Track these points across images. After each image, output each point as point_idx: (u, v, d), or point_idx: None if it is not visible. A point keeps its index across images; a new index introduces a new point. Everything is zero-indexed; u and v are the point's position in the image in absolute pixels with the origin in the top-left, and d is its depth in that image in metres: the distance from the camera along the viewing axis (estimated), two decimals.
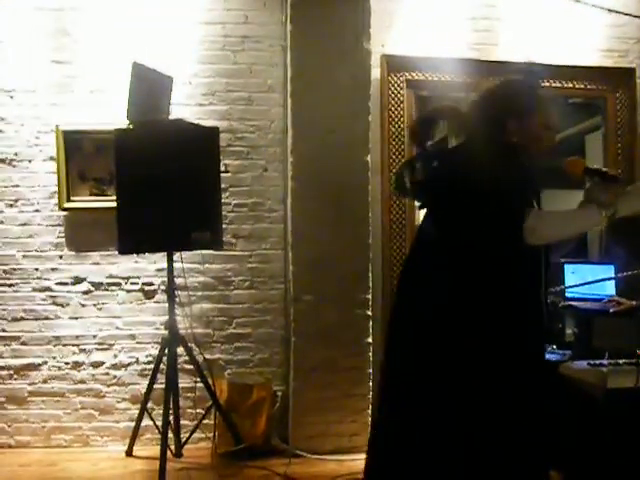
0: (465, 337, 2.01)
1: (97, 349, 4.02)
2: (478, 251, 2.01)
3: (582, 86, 4.36)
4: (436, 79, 4.16)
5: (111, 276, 4.03)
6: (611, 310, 3.67)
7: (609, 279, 3.98)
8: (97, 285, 4.02)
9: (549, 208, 6.64)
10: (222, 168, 3.92)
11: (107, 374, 4.03)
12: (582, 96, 4.46)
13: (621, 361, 3.20)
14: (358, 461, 3.65)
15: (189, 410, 3.90)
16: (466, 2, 4.24)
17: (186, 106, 3.98)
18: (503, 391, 2.02)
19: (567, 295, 4.10)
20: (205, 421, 3.70)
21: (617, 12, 4.26)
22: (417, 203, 2.33)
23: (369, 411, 3.85)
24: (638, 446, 2.86)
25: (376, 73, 4.05)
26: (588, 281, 3.92)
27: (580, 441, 3.12)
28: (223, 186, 3.91)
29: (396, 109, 4.09)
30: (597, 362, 3.16)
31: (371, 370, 3.86)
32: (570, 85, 4.32)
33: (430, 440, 2.05)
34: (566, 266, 4.20)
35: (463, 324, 2.02)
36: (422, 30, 4.20)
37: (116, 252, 3.52)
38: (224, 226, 3.92)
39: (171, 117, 3.73)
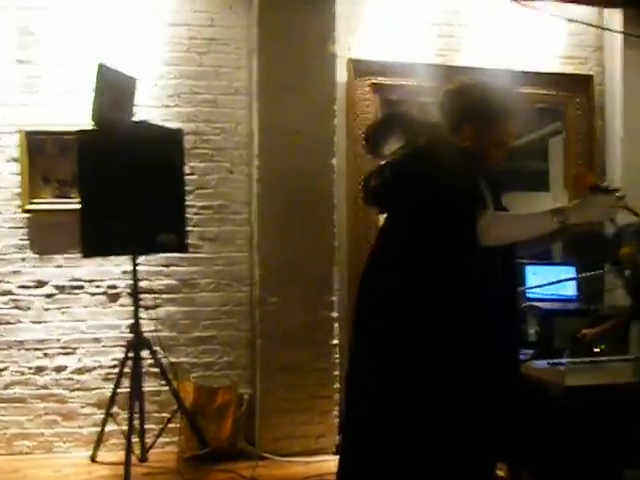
0: (416, 341, 2.05)
1: (61, 353, 3.96)
2: (431, 254, 2.04)
3: (544, 92, 4.46)
4: (401, 83, 4.22)
5: (75, 279, 3.98)
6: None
7: (569, 280, 4.08)
8: (61, 288, 3.97)
9: (513, 210, 6.70)
10: (187, 170, 3.91)
11: (71, 379, 3.97)
12: (543, 101, 4.57)
13: (580, 359, 3.28)
14: (325, 462, 3.69)
15: (155, 414, 3.88)
16: (431, 8, 4.31)
17: (152, 108, 3.97)
18: (450, 392, 2.05)
19: (529, 296, 4.19)
20: (171, 425, 3.69)
21: (576, 21, 4.36)
22: (377, 208, 2.35)
23: (336, 412, 3.87)
24: (596, 442, 2.93)
25: (342, 77, 4.09)
26: (549, 282, 3.99)
27: (543, 439, 3.19)
28: (189, 188, 3.92)
29: (362, 112, 4.13)
30: (556, 361, 3.23)
31: (337, 372, 3.88)
32: (532, 91, 4.41)
33: (390, 444, 2.09)
34: (527, 267, 4.29)
35: (415, 328, 2.05)
36: (388, 35, 4.25)
37: (80, 255, 3.49)
38: (190, 229, 3.93)
39: (136, 119, 3.69)
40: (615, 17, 4.45)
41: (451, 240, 2.01)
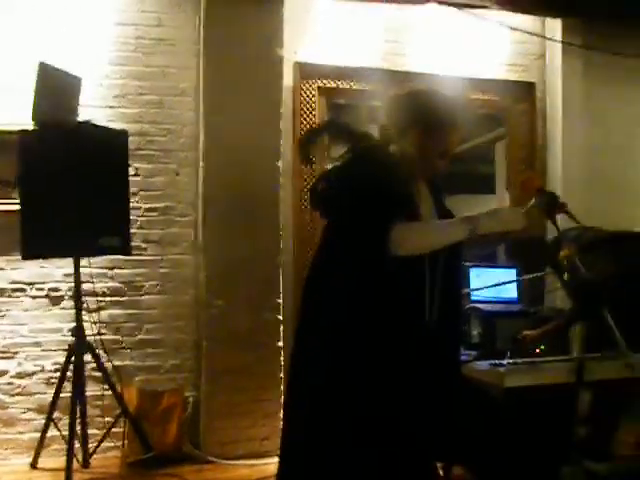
0: (360, 341, 2.08)
1: (0, 358, 3.87)
2: (353, 262, 2.08)
3: (487, 98, 4.55)
4: (347, 87, 4.26)
5: (15, 282, 3.88)
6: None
7: (511, 282, 4.17)
8: (0, 291, 3.87)
9: (460, 213, 6.81)
10: (132, 172, 3.88)
11: (11, 384, 3.87)
12: (487, 107, 4.67)
13: (520, 360, 3.36)
14: (270, 465, 3.68)
15: (98, 419, 3.82)
16: (378, 13, 4.35)
17: (96, 108, 3.90)
18: (390, 393, 2.09)
19: (472, 298, 4.27)
20: (114, 430, 3.65)
21: (519, 30, 4.48)
22: (322, 211, 2.37)
23: (280, 415, 3.87)
24: (536, 441, 3.01)
25: (288, 80, 4.10)
26: (491, 284, 4.06)
27: (484, 439, 3.26)
28: (134, 190, 3.88)
29: (308, 115, 4.15)
30: (497, 362, 3.30)
31: (282, 374, 3.89)
32: (476, 96, 4.51)
33: (335, 443, 2.12)
34: (471, 270, 4.37)
35: (359, 328, 2.08)
36: (335, 38, 4.28)
37: (20, 257, 3.42)
38: (134, 230, 3.90)
39: (80, 119, 3.63)
40: (556, 26, 4.58)
41: (368, 250, 2.05)
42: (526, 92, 4.65)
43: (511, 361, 3.38)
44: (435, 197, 2.32)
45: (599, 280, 2.57)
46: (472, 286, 4.28)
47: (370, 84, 4.25)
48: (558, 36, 4.56)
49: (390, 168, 2.12)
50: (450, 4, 4.24)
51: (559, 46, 4.55)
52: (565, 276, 3.48)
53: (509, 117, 4.68)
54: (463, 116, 2.23)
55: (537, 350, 3.74)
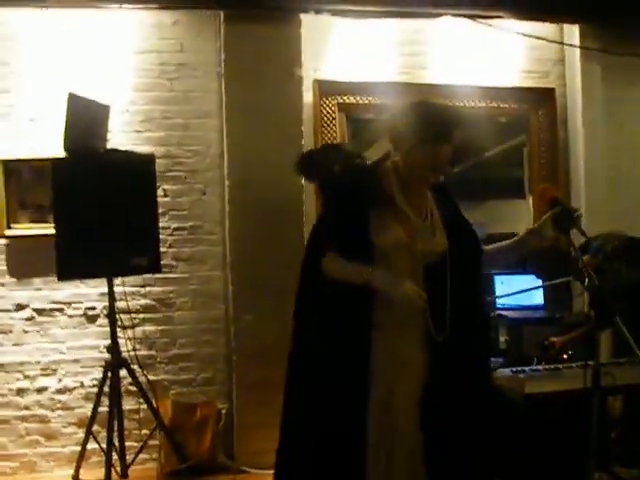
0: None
1: (41, 375, 4.05)
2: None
3: (506, 106, 4.59)
4: (367, 102, 4.34)
5: (54, 302, 4.07)
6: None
7: (536, 288, 4.19)
8: (40, 311, 4.06)
9: (491, 218, 6.71)
10: (161, 193, 4.03)
11: (52, 399, 4.06)
12: (506, 115, 4.70)
13: (541, 367, 3.39)
14: None
15: (135, 431, 3.94)
16: (394, 27, 4.43)
17: (124, 133, 4.08)
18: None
19: (498, 305, 4.30)
20: (151, 442, 3.77)
21: (536, 37, 4.50)
22: None
23: None
24: (556, 446, 3.04)
25: (308, 97, 4.21)
26: (516, 291, 4.08)
27: (506, 446, 3.30)
28: (162, 210, 4.03)
29: (329, 132, 4.25)
30: (519, 369, 3.33)
31: None
32: (495, 105, 4.55)
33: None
34: (496, 277, 4.40)
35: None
36: (352, 55, 4.37)
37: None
38: (165, 249, 4.04)
39: (109, 144, 3.79)
40: (573, 31, 4.59)
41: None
42: (546, 98, 4.66)
43: (533, 367, 3.41)
44: (443, 204, 2.38)
45: (610, 290, 2.59)
46: (497, 293, 4.32)
47: (389, 98, 4.33)
48: (576, 41, 4.57)
49: (351, 197, 2.26)
50: (464, 16, 4.28)
51: (577, 51, 4.55)
52: (586, 283, 3.50)
53: (530, 124, 4.70)
54: (457, 129, 2.25)
55: (564, 356, 3.76)
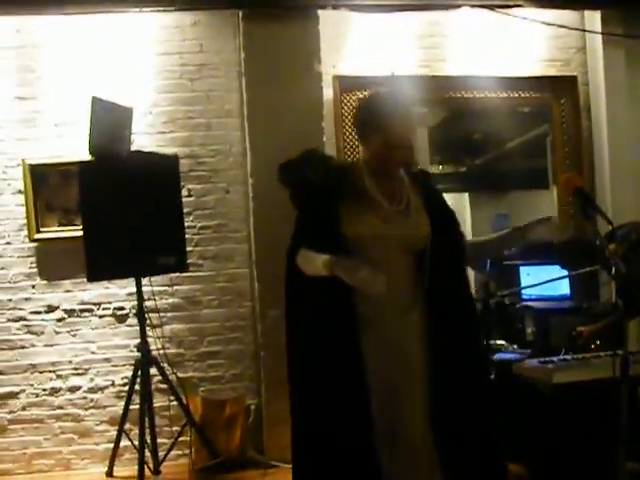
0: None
1: (73, 374, 4.13)
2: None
3: (527, 95, 4.56)
4: None
5: (83, 302, 4.14)
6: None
7: (562, 278, 4.15)
8: (70, 312, 4.14)
9: (515, 209, 6.67)
10: (185, 193, 4.08)
11: (84, 398, 4.14)
12: (528, 105, 4.67)
13: (569, 357, 3.38)
14: None
15: (165, 428, 4.01)
16: (413, 21, 4.42)
17: (147, 135, 4.13)
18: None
19: (524, 296, 4.28)
20: (182, 438, 3.83)
21: (554, 25, 4.45)
22: None
23: None
24: (584, 435, 3.03)
25: (328, 93, 4.22)
26: (542, 282, 4.06)
27: (534, 434, 3.29)
28: (187, 210, 4.08)
29: (349, 127, 4.25)
30: (547, 359, 3.32)
31: None
32: (516, 95, 4.52)
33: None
34: (521, 268, 4.38)
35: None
36: (371, 49, 4.37)
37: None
38: (191, 248, 4.09)
39: (133, 146, 3.86)
40: (595, 18, 4.53)
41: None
42: (568, 86, 4.62)
43: (561, 358, 3.40)
44: (425, 193, 2.39)
45: (638, 278, 2.57)
46: (523, 284, 4.30)
47: (409, 92, 4.31)
48: (598, 27, 4.51)
49: (319, 192, 2.34)
50: (483, 6, 4.26)
51: (599, 37, 4.50)
52: (613, 272, 3.48)
53: (552, 113, 4.66)
54: (404, 111, 2.28)
55: (592, 346, 3.73)
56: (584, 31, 4.57)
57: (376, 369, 2.25)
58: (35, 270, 4.12)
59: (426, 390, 2.29)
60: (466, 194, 8.03)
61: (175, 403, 3.80)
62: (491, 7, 4.25)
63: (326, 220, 2.27)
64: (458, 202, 8.06)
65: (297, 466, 2.37)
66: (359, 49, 4.35)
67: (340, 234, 2.25)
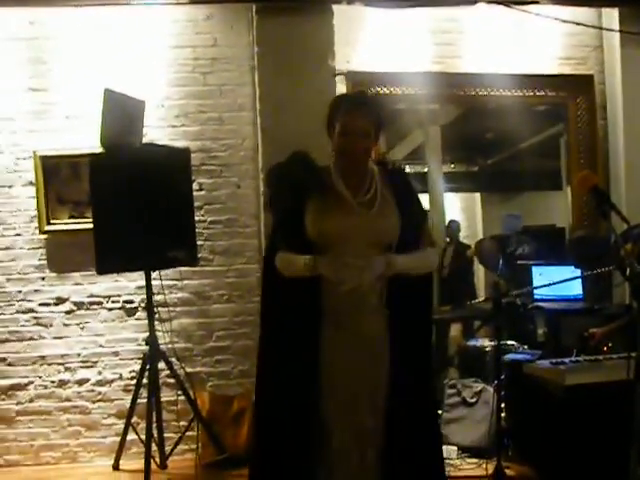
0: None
1: (81, 367, 4.12)
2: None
3: (543, 93, 4.51)
4: (400, 93, 4.31)
5: (92, 295, 4.14)
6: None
7: (574, 279, 4.11)
8: (79, 305, 4.13)
9: (528, 210, 6.61)
10: (196, 187, 4.06)
11: (92, 391, 4.13)
12: (544, 104, 4.63)
13: (581, 358, 3.34)
14: None
15: (173, 423, 4.00)
16: (427, 17, 4.38)
17: (159, 128, 4.12)
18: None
19: (535, 297, 4.23)
20: (189, 433, 3.81)
21: (574, 22, 4.40)
22: None
23: None
24: (596, 438, 2.99)
25: (342, 89, 4.18)
26: (554, 282, 4.01)
27: (545, 436, 3.26)
28: (198, 204, 4.06)
29: None
30: (558, 360, 3.29)
31: None
32: (531, 93, 4.48)
33: None
34: (534, 268, 4.33)
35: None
36: (385, 45, 4.34)
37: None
38: (201, 243, 4.08)
39: (144, 139, 3.84)
40: (612, 15, 4.48)
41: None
42: (584, 85, 4.57)
43: (573, 359, 3.37)
44: (397, 188, 2.37)
45: None
46: (535, 284, 4.26)
47: (423, 88, 4.29)
48: (615, 25, 4.45)
49: (287, 192, 2.32)
50: (499, 2, 4.21)
51: (617, 36, 4.44)
52: (628, 272, 3.43)
53: (568, 112, 4.61)
54: (364, 101, 2.35)
55: (604, 347, 3.69)
56: (601, 29, 4.51)
57: (343, 367, 2.25)
58: (45, 262, 4.11)
59: (388, 390, 2.28)
60: (478, 194, 8.02)
61: (183, 398, 3.78)
62: (507, 3, 4.21)
63: (296, 221, 2.30)
64: (470, 202, 8.08)
65: (252, 459, 2.45)
66: (373, 44, 4.32)
67: (310, 232, 2.28)
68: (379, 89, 4.28)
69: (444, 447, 3.80)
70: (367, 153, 2.32)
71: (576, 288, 4.22)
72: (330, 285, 2.24)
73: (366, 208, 2.28)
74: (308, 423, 2.23)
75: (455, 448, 3.88)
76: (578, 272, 4.18)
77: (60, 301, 4.12)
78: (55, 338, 4.11)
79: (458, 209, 7.78)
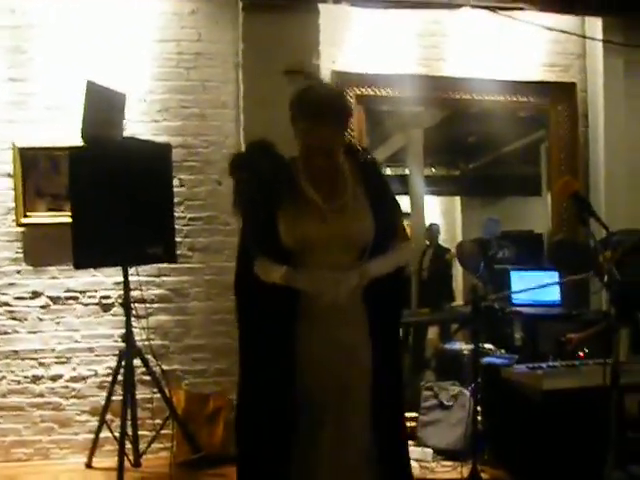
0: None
1: (56, 363, 4.06)
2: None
3: (526, 100, 4.54)
4: (385, 94, 4.31)
5: (69, 290, 4.08)
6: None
7: (552, 284, 4.14)
8: (55, 299, 4.07)
9: (508, 215, 6.70)
10: (177, 183, 4.02)
11: (66, 387, 4.07)
12: (526, 109, 4.65)
13: (558, 363, 3.36)
14: None
15: (148, 421, 3.97)
16: (414, 19, 4.39)
17: (141, 123, 4.07)
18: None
19: (514, 301, 4.26)
20: (163, 431, 3.78)
21: (557, 30, 4.44)
22: None
23: None
24: (574, 443, 3.01)
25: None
26: (532, 287, 4.03)
27: (521, 440, 3.27)
28: (178, 200, 4.02)
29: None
30: (536, 365, 3.31)
31: None
32: (514, 99, 4.50)
33: None
34: (512, 272, 4.36)
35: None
36: (371, 46, 4.34)
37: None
38: (180, 239, 4.04)
39: (125, 133, 3.80)
40: (596, 24, 4.52)
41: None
42: (566, 92, 4.61)
43: (550, 364, 3.39)
44: (369, 181, 2.28)
45: (633, 285, 2.55)
46: (513, 288, 4.28)
47: (407, 91, 4.29)
48: (598, 34, 4.50)
49: (259, 198, 2.21)
50: (485, 7, 4.23)
51: (599, 45, 4.49)
52: (605, 279, 3.45)
53: (550, 119, 4.64)
54: (334, 109, 2.14)
55: (581, 353, 3.72)
56: (584, 37, 4.55)
57: (320, 373, 2.21)
58: (21, 255, 4.04)
59: (370, 390, 2.24)
60: (458, 198, 8.07)
61: (158, 395, 3.75)
62: (492, 8, 4.23)
63: (269, 227, 2.21)
64: (450, 205, 8.13)
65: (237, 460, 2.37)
66: (359, 45, 4.31)
67: (281, 244, 2.20)
68: (363, 90, 4.27)
69: (420, 449, 3.89)
70: (336, 155, 2.20)
71: (554, 294, 4.25)
72: (307, 296, 2.20)
73: (338, 213, 2.19)
74: (285, 424, 2.20)
75: (431, 451, 3.90)
76: (556, 278, 4.21)
77: (35, 295, 4.05)
78: (30, 333, 4.04)
79: (438, 212, 7.83)
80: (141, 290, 3.79)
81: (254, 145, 2.32)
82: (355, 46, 4.32)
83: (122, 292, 3.70)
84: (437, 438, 3.97)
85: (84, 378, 4.08)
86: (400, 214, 2.43)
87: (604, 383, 2.51)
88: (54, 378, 4.06)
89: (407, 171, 5.91)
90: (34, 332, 4.05)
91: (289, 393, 2.20)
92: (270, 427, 2.21)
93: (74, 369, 4.07)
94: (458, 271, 6.59)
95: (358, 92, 4.25)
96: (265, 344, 2.23)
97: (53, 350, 4.06)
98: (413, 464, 3.47)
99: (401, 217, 2.43)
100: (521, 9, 4.27)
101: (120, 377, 3.61)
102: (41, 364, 4.05)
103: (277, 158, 2.26)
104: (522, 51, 4.54)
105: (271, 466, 2.21)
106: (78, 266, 3.56)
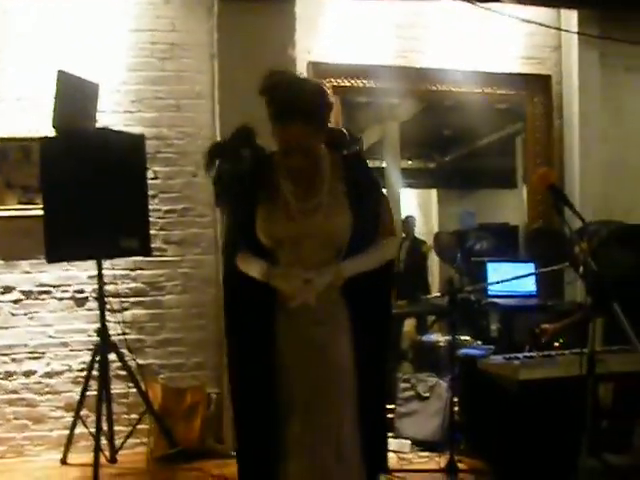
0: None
1: (29, 358, 3.99)
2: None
3: (502, 92, 4.55)
4: (362, 85, 4.29)
5: (42, 284, 4.01)
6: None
7: (528, 275, 4.17)
8: (27, 294, 4.00)
9: (483, 207, 6.78)
10: (151, 175, 3.97)
11: (40, 383, 4.01)
12: (503, 102, 4.67)
13: (535, 354, 3.38)
14: None
15: (124, 416, 3.93)
16: (392, 10, 4.37)
17: (115, 113, 4.01)
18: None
19: (490, 292, 4.28)
20: (140, 426, 3.74)
21: (532, 22, 4.45)
22: None
23: None
24: (550, 432, 3.03)
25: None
26: (507, 278, 4.05)
27: (498, 430, 3.30)
28: (153, 192, 3.97)
29: None
30: (512, 356, 3.33)
31: None
32: (491, 90, 4.51)
33: None
34: (489, 264, 4.38)
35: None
36: (348, 37, 4.31)
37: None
38: (155, 232, 3.99)
39: (99, 124, 3.73)
40: (571, 17, 4.55)
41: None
42: (542, 85, 4.64)
43: (526, 354, 3.41)
44: (347, 175, 2.21)
45: (609, 276, 2.57)
46: (489, 280, 4.30)
47: (385, 82, 4.28)
48: (574, 27, 4.53)
49: (238, 195, 2.19)
50: None
51: (575, 37, 4.52)
52: (581, 270, 3.48)
53: (526, 111, 4.66)
54: (306, 106, 2.04)
55: (556, 343, 3.75)
56: (560, 30, 4.58)
57: (291, 371, 2.18)
58: None
59: (348, 389, 2.20)
60: (434, 190, 8.11)
61: (134, 390, 3.71)
62: (471, 0, 4.22)
63: (249, 223, 2.17)
64: (426, 198, 8.17)
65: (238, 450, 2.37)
66: (336, 36, 4.29)
67: (261, 235, 2.17)
68: (339, 81, 4.25)
69: (397, 441, 3.90)
70: (313, 153, 2.12)
71: (530, 285, 4.28)
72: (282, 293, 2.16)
73: (311, 212, 2.14)
74: (269, 418, 2.17)
75: (408, 442, 3.91)
76: (532, 269, 4.24)
77: (7, 290, 3.98)
78: (1, 328, 3.96)
79: (414, 205, 7.86)
80: (116, 284, 3.75)
81: (240, 132, 2.27)
82: (331, 36, 4.29)
83: (96, 286, 3.64)
84: (414, 429, 3.98)
85: (58, 373, 4.02)
86: (386, 208, 2.31)
87: (580, 373, 2.53)
88: (27, 374, 3.99)
89: (384, 164, 5.91)
90: (6, 327, 3.97)
91: (270, 389, 2.17)
92: (257, 420, 2.18)
93: (48, 364, 4.01)
94: (434, 263, 6.63)
95: (334, 83, 4.22)
96: (248, 338, 2.21)
97: (26, 345, 3.99)
98: (391, 455, 3.50)
99: (388, 211, 2.32)
100: (499, 1, 4.28)
101: (95, 372, 3.57)
102: (14, 360, 3.97)
103: (258, 150, 2.22)
104: (499, 43, 4.55)
105: (266, 460, 2.18)
106: (51, 260, 3.51)
